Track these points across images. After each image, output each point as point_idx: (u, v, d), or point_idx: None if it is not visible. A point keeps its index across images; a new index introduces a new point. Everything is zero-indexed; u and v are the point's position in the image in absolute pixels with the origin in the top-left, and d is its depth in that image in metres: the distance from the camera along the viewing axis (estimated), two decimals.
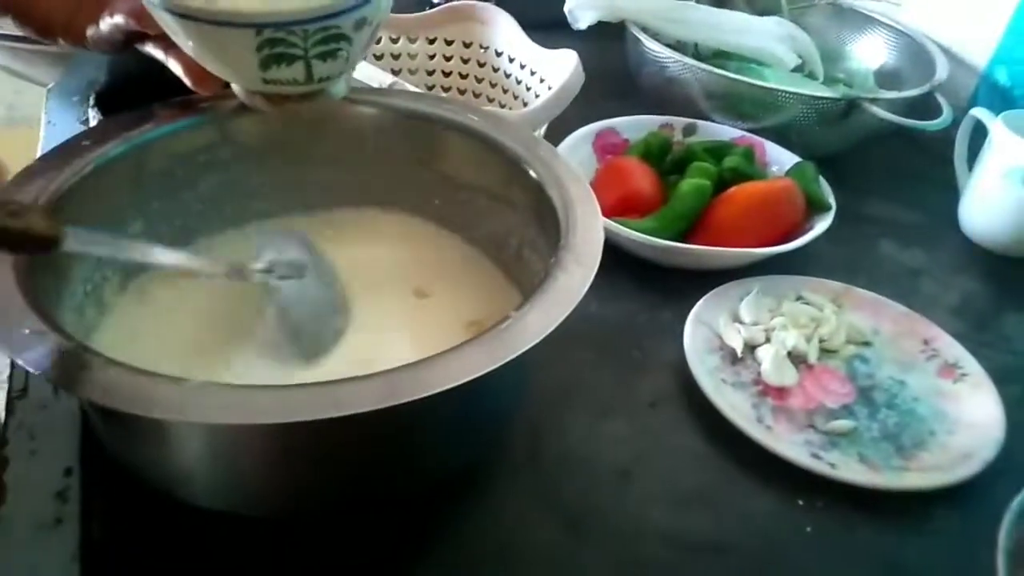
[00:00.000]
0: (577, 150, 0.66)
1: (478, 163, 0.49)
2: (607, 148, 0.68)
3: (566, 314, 0.34)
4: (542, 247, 0.45)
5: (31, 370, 0.29)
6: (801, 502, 0.44)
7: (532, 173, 0.45)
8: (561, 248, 0.39)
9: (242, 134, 0.49)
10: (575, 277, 0.37)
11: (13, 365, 0.48)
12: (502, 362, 0.32)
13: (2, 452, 0.43)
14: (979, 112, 0.68)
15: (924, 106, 0.72)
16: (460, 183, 0.51)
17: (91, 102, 0.72)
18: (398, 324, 0.47)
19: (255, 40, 0.38)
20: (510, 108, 0.69)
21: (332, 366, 0.43)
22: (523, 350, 0.33)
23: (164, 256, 0.40)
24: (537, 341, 0.33)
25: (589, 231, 0.40)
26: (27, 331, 0.31)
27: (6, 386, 0.47)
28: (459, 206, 0.52)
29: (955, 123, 0.71)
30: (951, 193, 0.72)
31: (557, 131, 0.63)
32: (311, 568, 0.39)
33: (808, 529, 0.43)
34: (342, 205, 0.53)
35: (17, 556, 0.38)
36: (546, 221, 0.43)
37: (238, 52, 0.39)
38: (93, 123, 0.70)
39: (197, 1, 0.39)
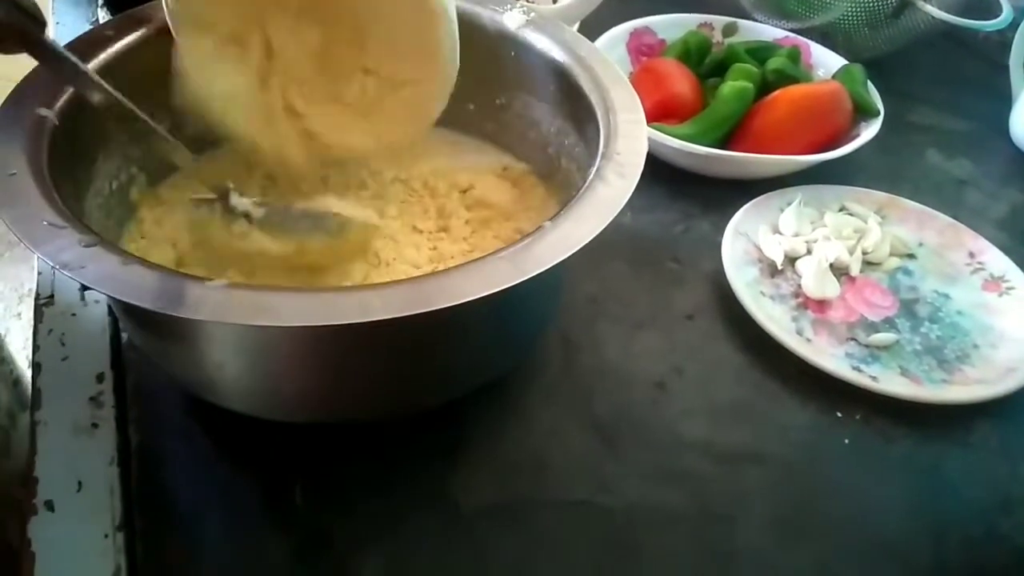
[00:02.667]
0: (610, 51, 0.62)
1: (513, 63, 0.46)
2: (642, 49, 0.64)
3: (603, 227, 0.32)
4: (581, 156, 0.42)
5: (49, 263, 0.28)
6: (840, 414, 0.43)
7: (572, 75, 0.43)
8: (602, 157, 0.36)
9: None
10: (615, 188, 0.34)
11: (40, 272, 0.48)
12: (531, 275, 0.30)
13: (34, 358, 0.43)
14: None
15: (980, 5, 0.68)
16: (494, 86, 0.48)
17: (100, 1, 0.69)
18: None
19: None
20: (538, 4, 0.65)
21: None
22: (555, 263, 0.31)
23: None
24: (571, 254, 0.31)
25: (633, 140, 0.37)
26: (45, 223, 0.30)
27: (34, 295, 0.47)
28: (494, 111, 0.49)
29: (1014, 24, 0.67)
30: (1003, 101, 0.68)
31: (588, 30, 0.60)
32: (344, 475, 0.39)
33: (846, 441, 0.42)
34: None
35: (57, 460, 0.38)
36: (587, 128, 0.41)
37: None
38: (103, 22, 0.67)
39: None
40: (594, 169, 0.36)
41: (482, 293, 0.29)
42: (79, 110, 0.38)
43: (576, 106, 0.42)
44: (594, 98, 0.41)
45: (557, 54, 0.44)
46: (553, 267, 0.31)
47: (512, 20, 0.45)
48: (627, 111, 0.39)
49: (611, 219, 0.33)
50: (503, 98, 0.49)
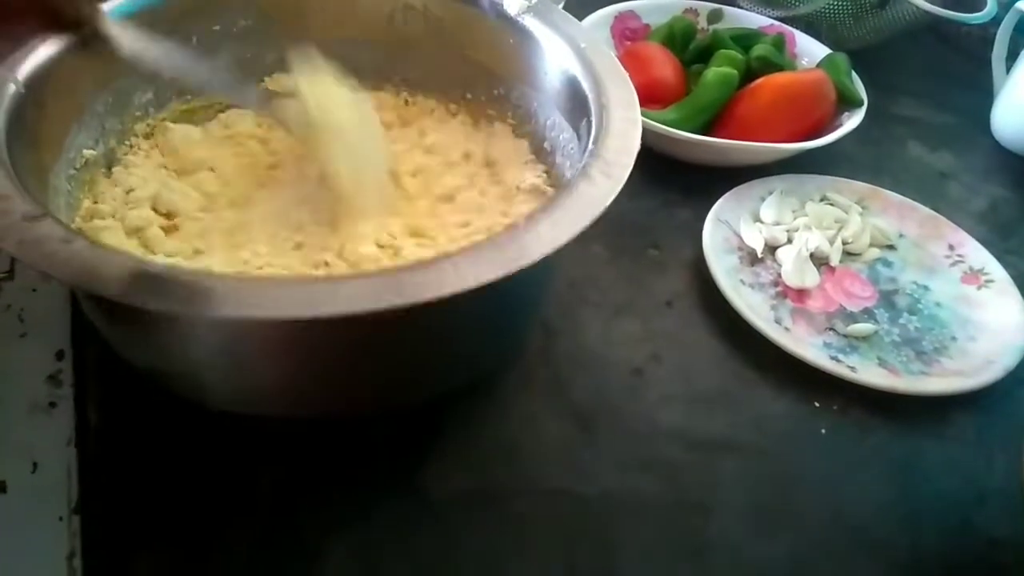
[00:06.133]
0: (594, 34, 0.61)
1: (512, 51, 0.45)
2: (626, 33, 0.63)
3: (581, 229, 0.31)
4: (575, 154, 0.41)
5: None
6: (817, 404, 0.43)
7: (570, 68, 0.41)
8: (589, 155, 0.35)
9: (263, 4, 0.46)
10: (599, 189, 0.33)
11: None
12: (496, 277, 0.28)
13: None
14: None
15: None
16: (492, 73, 0.47)
17: None
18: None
19: None
20: None
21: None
22: (524, 265, 0.29)
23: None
24: (542, 256, 0.30)
25: (624, 139, 0.35)
26: None
27: None
28: (491, 102, 0.48)
29: (997, 19, 0.66)
30: (985, 95, 0.68)
31: (572, 13, 0.58)
32: (312, 460, 0.37)
33: (823, 431, 0.42)
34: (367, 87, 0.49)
35: (13, 438, 0.37)
36: (581, 124, 0.40)
37: None
38: None
39: None
40: (580, 166, 0.34)
41: (423, 298, 0.27)
42: (50, 80, 0.36)
43: (572, 101, 0.41)
44: (590, 93, 0.39)
45: (557, 44, 0.42)
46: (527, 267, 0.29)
47: (513, 5, 0.44)
48: (623, 108, 0.38)
49: (591, 221, 0.31)
50: (502, 87, 0.47)
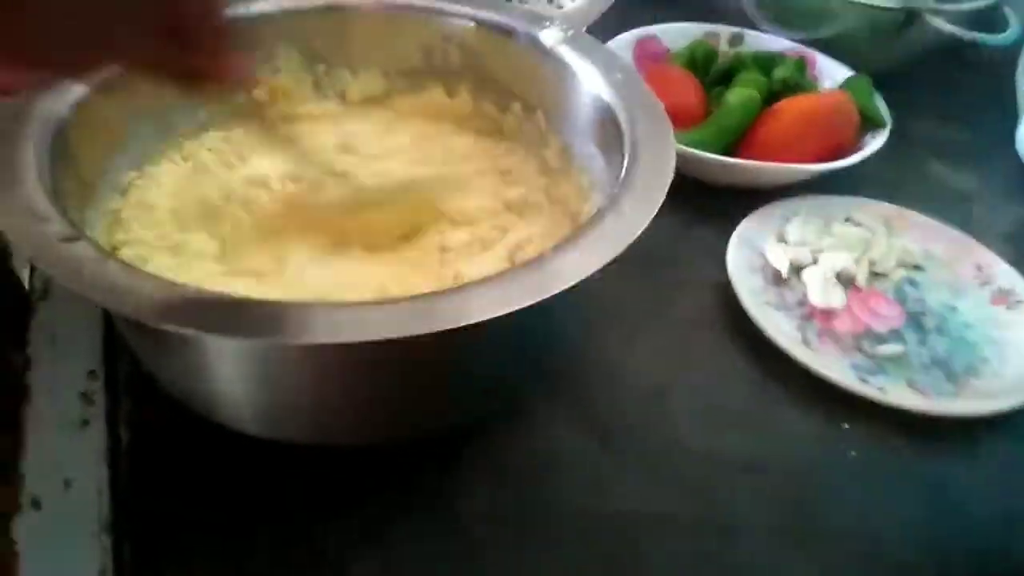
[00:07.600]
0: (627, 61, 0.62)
1: (549, 81, 0.45)
2: (648, 57, 0.64)
3: (606, 262, 0.31)
4: (607, 185, 0.40)
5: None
6: (846, 425, 0.43)
7: (605, 99, 0.41)
8: (620, 185, 0.34)
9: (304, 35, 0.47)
10: (627, 221, 0.32)
11: (33, 266, 0.47)
12: (511, 309, 0.28)
13: (24, 352, 0.42)
14: None
15: (988, 20, 0.68)
16: (528, 102, 0.47)
17: None
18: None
19: None
20: (543, 10, 0.65)
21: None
22: (543, 297, 0.29)
23: None
24: (562, 290, 0.29)
25: (656, 172, 0.35)
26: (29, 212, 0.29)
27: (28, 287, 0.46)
28: (529, 129, 0.47)
29: (1021, 40, 0.66)
30: (1008, 116, 0.68)
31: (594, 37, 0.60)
32: (337, 477, 0.38)
33: (852, 453, 0.41)
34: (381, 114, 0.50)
35: (46, 456, 0.38)
36: (614, 157, 0.39)
37: None
38: None
39: None
40: (609, 197, 0.34)
41: (434, 328, 0.27)
42: (94, 104, 0.37)
43: (606, 132, 0.40)
44: (625, 125, 0.39)
45: (592, 75, 0.42)
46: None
47: (549, 37, 0.44)
48: (656, 138, 0.37)
49: (618, 254, 0.31)
50: (540, 114, 0.47)
